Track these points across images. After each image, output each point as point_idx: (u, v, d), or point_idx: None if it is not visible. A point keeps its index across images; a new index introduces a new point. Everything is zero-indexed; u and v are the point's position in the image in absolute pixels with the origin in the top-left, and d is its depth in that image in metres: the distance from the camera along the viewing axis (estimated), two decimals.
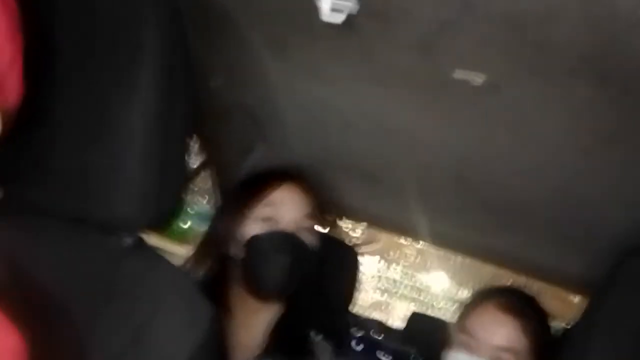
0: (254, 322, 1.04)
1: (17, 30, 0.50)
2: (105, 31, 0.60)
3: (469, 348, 1.03)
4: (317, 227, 1.08)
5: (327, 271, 1.10)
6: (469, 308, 1.11)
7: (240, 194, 1.08)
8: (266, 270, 1.00)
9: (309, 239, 1.04)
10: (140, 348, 0.58)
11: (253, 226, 1.02)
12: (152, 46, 0.59)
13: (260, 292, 1.01)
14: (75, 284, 0.60)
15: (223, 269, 1.05)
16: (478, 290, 1.16)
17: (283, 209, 1.03)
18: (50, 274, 0.60)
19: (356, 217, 1.52)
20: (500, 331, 1.03)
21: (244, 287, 1.02)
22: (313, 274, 1.05)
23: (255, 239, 1.01)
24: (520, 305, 1.07)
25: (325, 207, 1.17)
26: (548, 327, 1.08)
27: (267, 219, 1.02)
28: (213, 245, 1.08)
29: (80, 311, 0.58)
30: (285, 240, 1.01)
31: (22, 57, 0.51)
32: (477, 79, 0.75)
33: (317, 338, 1.07)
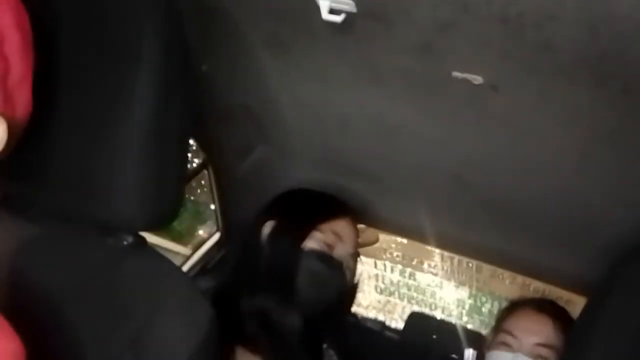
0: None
1: (29, 47, 0.51)
2: (103, 33, 0.60)
3: (509, 347, 1.09)
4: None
5: None
6: (506, 313, 1.19)
7: (306, 208, 1.12)
8: (306, 288, 1.02)
9: (348, 276, 1.08)
10: (140, 348, 0.59)
11: (314, 244, 1.04)
12: (149, 48, 0.59)
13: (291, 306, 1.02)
14: (75, 283, 0.60)
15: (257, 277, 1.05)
16: (513, 299, 1.25)
17: (344, 241, 1.08)
18: (50, 273, 0.60)
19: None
20: (538, 330, 1.09)
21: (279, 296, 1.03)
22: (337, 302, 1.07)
23: (309, 254, 1.03)
24: (554, 308, 1.16)
25: None
26: None
27: (328, 244, 1.05)
28: (260, 255, 1.07)
29: (79, 311, 0.59)
30: (335, 269, 1.04)
31: (32, 72, 0.52)
32: (476, 79, 0.75)
33: (329, 351, 1.09)
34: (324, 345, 1.10)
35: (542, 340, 1.07)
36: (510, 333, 1.11)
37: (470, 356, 1.04)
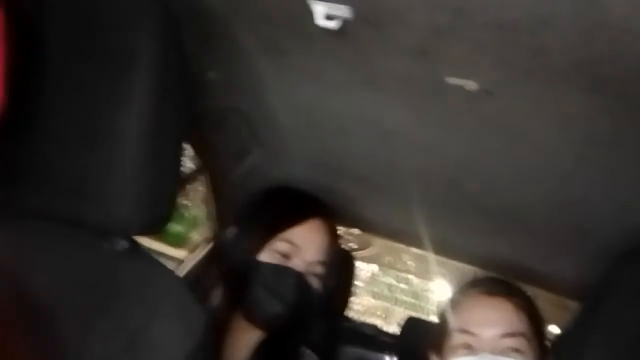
0: (244, 339, 1.03)
1: (1, 44, 0.50)
2: (100, 37, 0.60)
3: (470, 349, 0.91)
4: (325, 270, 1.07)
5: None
6: (455, 306, 0.99)
7: (263, 215, 1.08)
8: (261, 303, 0.98)
9: (315, 284, 1.04)
10: (135, 352, 0.58)
11: (267, 255, 1.02)
12: (146, 52, 0.59)
13: (251, 320, 1.00)
14: (70, 288, 0.60)
15: (225, 286, 1.03)
16: (457, 289, 1.05)
17: (300, 249, 1.03)
18: (45, 278, 0.59)
19: (351, 222, 1.52)
20: (498, 318, 0.91)
21: (240, 309, 1.01)
22: (309, 315, 1.04)
23: (262, 267, 1.00)
24: (505, 286, 0.98)
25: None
26: (536, 306, 0.99)
27: (282, 254, 1.02)
28: (224, 262, 1.06)
29: (74, 315, 0.58)
30: (289, 281, 0.99)
31: (6, 68, 0.51)
32: (471, 84, 0.75)
33: (306, 352, 1.07)
34: (302, 348, 1.07)
35: (505, 330, 0.89)
36: (466, 331, 0.91)
37: None
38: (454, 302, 1.00)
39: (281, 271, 1.00)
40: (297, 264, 1.02)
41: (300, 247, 1.03)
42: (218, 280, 1.05)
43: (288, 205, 1.10)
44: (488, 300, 0.94)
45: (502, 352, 0.87)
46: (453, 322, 0.95)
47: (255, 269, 1.00)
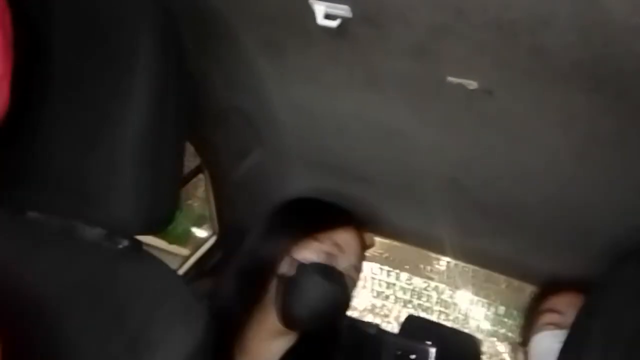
0: (267, 349, 1.02)
1: (10, 46, 0.50)
2: (99, 37, 0.60)
3: (556, 325, 1.05)
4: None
5: None
6: (544, 296, 1.14)
7: (300, 217, 1.08)
8: (308, 297, 0.97)
9: (350, 287, 1.05)
10: (135, 352, 0.58)
11: (312, 254, 1.01)
12: (146, 52, 0.59)
13: (290, 317, 0.98)
14: (70, 288, 0.60)
15: (254, 287, 1.02)
16: (548, 282, 1.20)
17: (345, 252, 1.04)
18: (45, 277, 0.59)
19: None
20: None
21: (276, 308, 0.99)
22: (339, 317, 1.04)
23: (313, 266, 0.99)
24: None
25: None
26: None
27: (328, 254, 1.02)
28: (255, 259, 1.05)
29: (74, 316, 0.58)
30: (338, 280, 0.99)
31: (12, 72, 0.51)
32: (471, 84, 0.75)
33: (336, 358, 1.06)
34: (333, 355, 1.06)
35: None
36: (555, 311, 1.08)
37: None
38: (544, 292, 1.17)
39: (328, 272, 0.99)
40: (341, 265, 1.02)
41: (345, 249, 1.04)
42: (237, 283, 1.04)
43: (329, 209, 1.12)
44: (579, 293, 1.07)
45: None
46: (544, 304, 1.12)
47: (303, 267, 0.99)
